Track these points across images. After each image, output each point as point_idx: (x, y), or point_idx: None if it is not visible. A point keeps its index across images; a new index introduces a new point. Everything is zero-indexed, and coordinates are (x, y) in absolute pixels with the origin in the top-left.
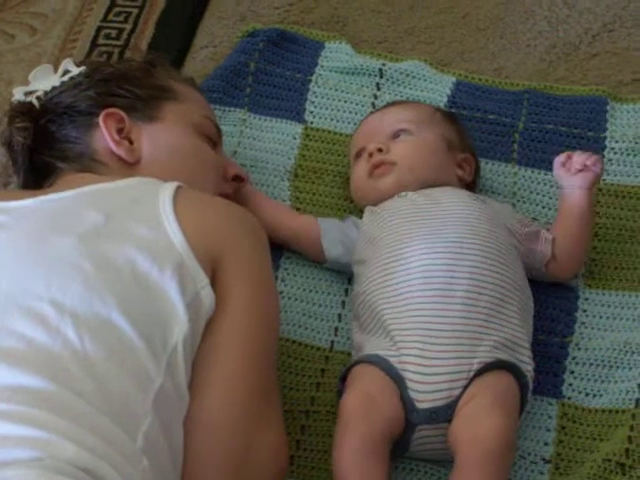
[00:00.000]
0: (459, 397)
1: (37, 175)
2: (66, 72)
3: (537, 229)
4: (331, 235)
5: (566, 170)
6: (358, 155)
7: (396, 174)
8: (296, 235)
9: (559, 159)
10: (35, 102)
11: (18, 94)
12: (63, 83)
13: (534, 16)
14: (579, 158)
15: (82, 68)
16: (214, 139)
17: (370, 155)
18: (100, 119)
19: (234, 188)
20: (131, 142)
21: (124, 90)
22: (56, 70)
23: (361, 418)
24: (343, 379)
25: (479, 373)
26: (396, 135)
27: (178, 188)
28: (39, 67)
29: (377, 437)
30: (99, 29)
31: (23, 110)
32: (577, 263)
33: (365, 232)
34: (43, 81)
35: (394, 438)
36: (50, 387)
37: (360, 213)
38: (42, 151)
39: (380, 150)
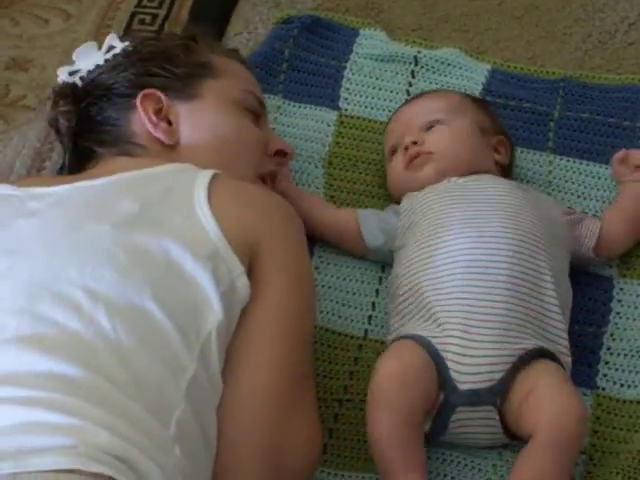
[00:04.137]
0: (502, 382)
1: (80, 159)
2: (110, 48)
3: (581, 216)
4: (370, 224)
5: (626, 167)
6: (392, 151)
7: (435, 162)
8: (336, 229)
9: (617, 156)
10: (78, 82)
11: (63, 74)
12: (106, 61)
13: (570, 4)
14: (638, 154)
15: (126, 44)
16: (257, 112)
17: (406, 148)
18: (137, 100)
19: (277, 163)
20: (170, 123)
21: (162, 69)
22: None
23: (399, 387)
24: None
25: (523, 360)
26: (429, 126)
27: (214, 176)
28: (83, 45)
29: (415, 408)
30: (133, 14)
31: (66, 92)
32: (628, 243)
33: (405, 217)
34: (87, 59)
35: (429, 411)
36: (83, 374)
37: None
38: (84, 135)
39: (415, 143)
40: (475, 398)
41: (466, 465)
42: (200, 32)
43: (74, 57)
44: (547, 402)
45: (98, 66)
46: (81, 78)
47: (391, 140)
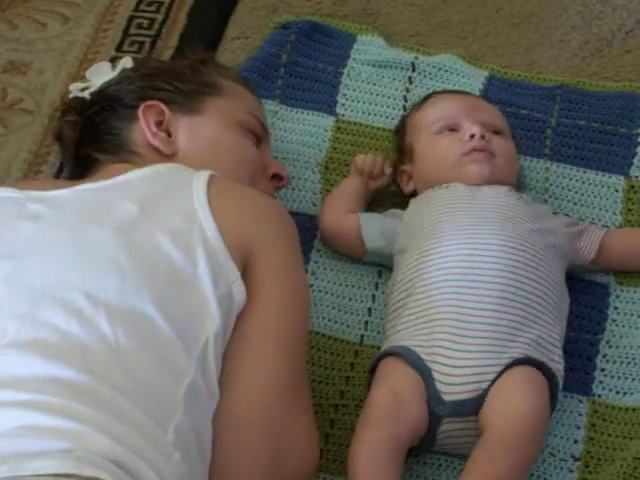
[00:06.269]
0: (487, 390)
1: (81, 167)
2: (124, 70)
3: (583, 227)
4: (371, 226)
5: None
6: (448, 129)
7: (493, 167)
8: (335, 228)
9: None
10: (87, 97)
11: (75, 91)
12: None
13: (567, 11)
14: None
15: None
16: (258, 135)
17: (471, 137)
18: (140, 111)
19: (274, 187)
20: (169, 134)
21: (168, 84)
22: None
23: (386, 422)
24: (372, 371)
25: (508, 369)
26: (496, 131)
27: (211, 177)
28: (97, 64)
29: (399, 444)
30: (131, 19)
31: (75, 105)
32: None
33: (407, 222)
34: (100, 78)
35: (415, 441)
36: (83, 379)
37: (393, 206)
38: (86, 143)
39: (483, 137)
40: (460, 409)
41: (462, 470)
42: (211, 56)
43: (88, 75)
44: (499, 401)
45: (105, 82)
46: (91, 94)
47: (450, 118)
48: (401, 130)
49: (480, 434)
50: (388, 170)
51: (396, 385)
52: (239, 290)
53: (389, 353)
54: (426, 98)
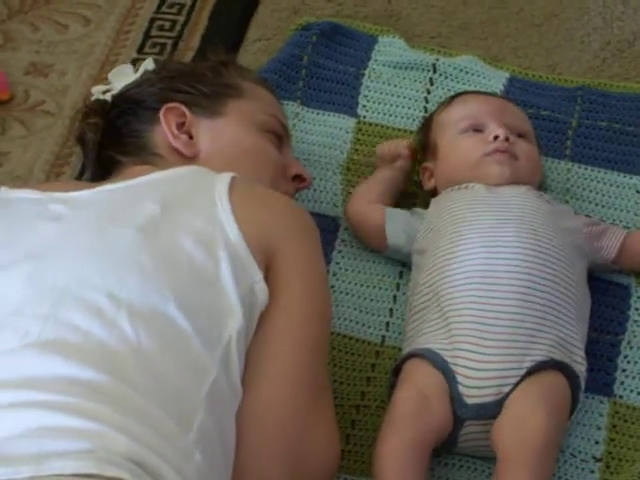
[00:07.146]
0: (508, 394)
1: (103, 169)
2: (145, 72)
3: (605, 227)
4: (396, 222)
5: None
6: (473, 129)
7: (515, 169)
8: (361, 218)
9: None
10: (109, 100)
11: (97, 93)
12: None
13: (589, 13)
14: None
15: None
16: (279, 137)
17: (495, 138)
18: (161, 113)
19: (295, 188)
20: (191, 137)
21: (189, 87)
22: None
23: (412, 420)
24: (395, 373)
25: (531, 372)
26: (521, 134)
27: (233, 179)
28: (119, 66)
29: (424, 443)
30: (152, 21)
31: (97, 107)
32: None
33: (427, 222)
34: (122, 80)
35: (440, 441)
36: (105, 380)
37: (413, 206)
38: (108, 145)
39: (507, 139)
40: (482, 412)
41: (483, 471)
42: (232, 58)
43: (110, 77)
44: (510, 418)
45: (127, 84)
46: (113, 96)
47: (475, 118)
48: (426, 127)
49: (495, 452)
50: (403, 145)
51: (422, 386)
52: (261, 290)
53: (413, 355)
54: (453, 97)
